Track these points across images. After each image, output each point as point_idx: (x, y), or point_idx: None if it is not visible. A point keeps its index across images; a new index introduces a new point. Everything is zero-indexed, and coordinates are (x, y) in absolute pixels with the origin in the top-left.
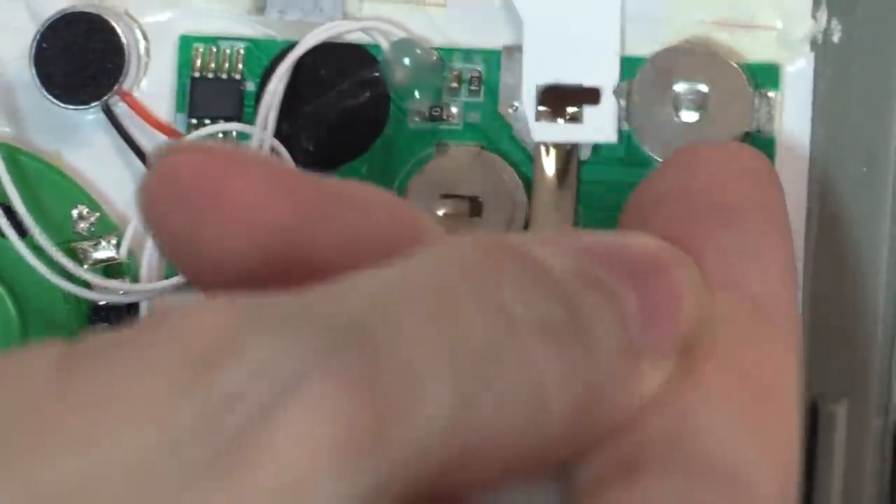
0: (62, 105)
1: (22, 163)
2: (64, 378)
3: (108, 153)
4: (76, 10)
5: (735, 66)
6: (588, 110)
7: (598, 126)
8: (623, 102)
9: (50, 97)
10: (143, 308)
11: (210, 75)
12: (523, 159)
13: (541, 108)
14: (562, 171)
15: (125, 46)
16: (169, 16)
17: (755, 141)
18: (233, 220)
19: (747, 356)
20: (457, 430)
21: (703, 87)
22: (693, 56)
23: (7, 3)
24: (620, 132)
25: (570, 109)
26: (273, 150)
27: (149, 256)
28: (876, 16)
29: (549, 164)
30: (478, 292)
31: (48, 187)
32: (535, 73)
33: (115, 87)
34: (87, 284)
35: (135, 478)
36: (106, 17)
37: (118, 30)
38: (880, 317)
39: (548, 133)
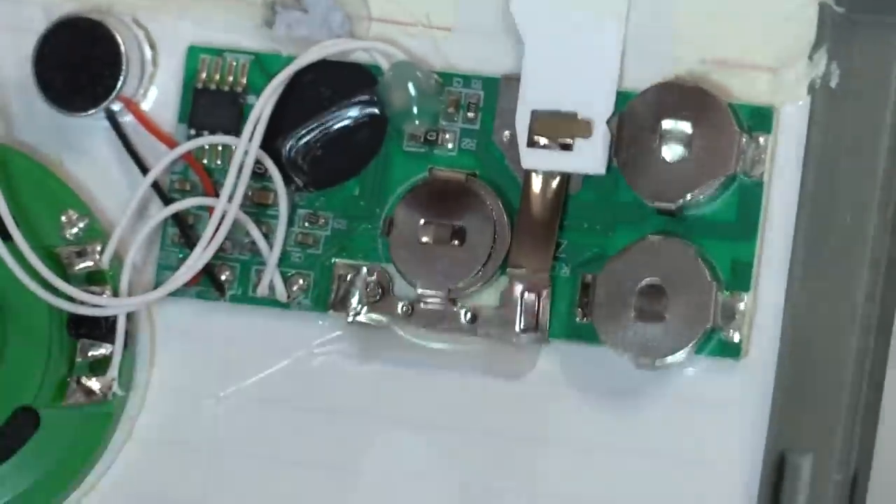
0: (58, 110)
1: (14, 163)
2: None
3: (107, 160)
4: (78, 16)
5: (724, 105)
6: (580, 140)
7: (587, 157)
8: (613, 136)
9: (48, 102)
10: (121, 320)
11: (213, 87)
12: (513, 188)
13: (534, 136)
14: (548, 199)
15: (123, 55)
16: (178, 24)
17: (742, 184)
18: None
19: None
20: None
21: (688, 126)
22: (682, 93)
23: (19, 5)
24: (610, 167)
25: (563, 139)
26: (258, 161)
27: (130, 268)
28: (873, 61)
29: (536, 191)
30: None
31: (39, 190)
32: (532, 98)
33: (112, 96)
34: (67, 294)
35: None
36: (107, 23)
37: (118, 37)
38: (849, 380)
39: (538, 160)
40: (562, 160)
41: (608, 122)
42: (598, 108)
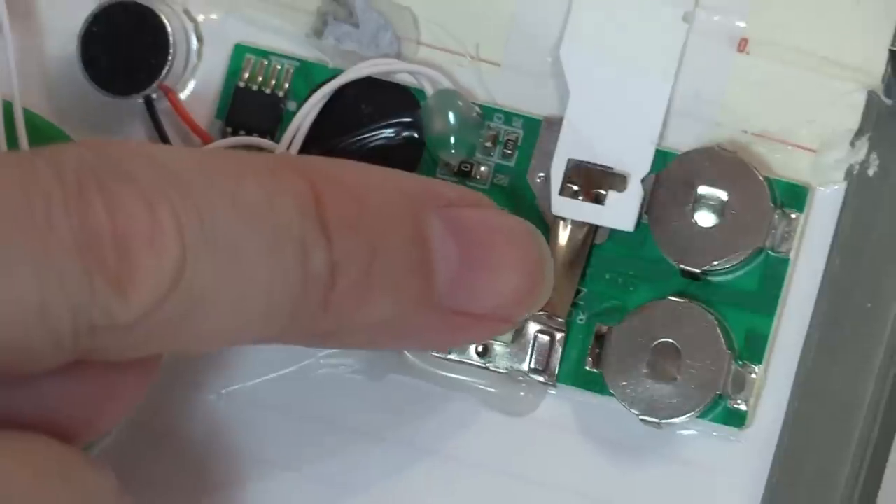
0: (99, 91)
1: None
2: None
3: None
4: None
5: (761, 179)
6: (612, 195)
7: (618, 212)
8: (647, 194)
9: (90, 81)
10: None
11: (255, 87)
12: (541, 231)
13: (567, 183)
14: (573, 247)
15: (171, 45)
16: (227, 21)
17: (768, 258)
18: None
19: None
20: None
21: (723, 194)
22: (721, 161)
23: None
24: (639, 223)
25: (596, 190)
26: None
27: None
28: None
29: (563, 239)
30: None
31: None
32: (570, 146)
33: (154, 84)
34: None
35: None
36: (159, 11)
37: (168, 27)
38: (847, 466)
39: (568, 209)
40: (592, 212)
41: (643, 180)
42: (635, 165)
